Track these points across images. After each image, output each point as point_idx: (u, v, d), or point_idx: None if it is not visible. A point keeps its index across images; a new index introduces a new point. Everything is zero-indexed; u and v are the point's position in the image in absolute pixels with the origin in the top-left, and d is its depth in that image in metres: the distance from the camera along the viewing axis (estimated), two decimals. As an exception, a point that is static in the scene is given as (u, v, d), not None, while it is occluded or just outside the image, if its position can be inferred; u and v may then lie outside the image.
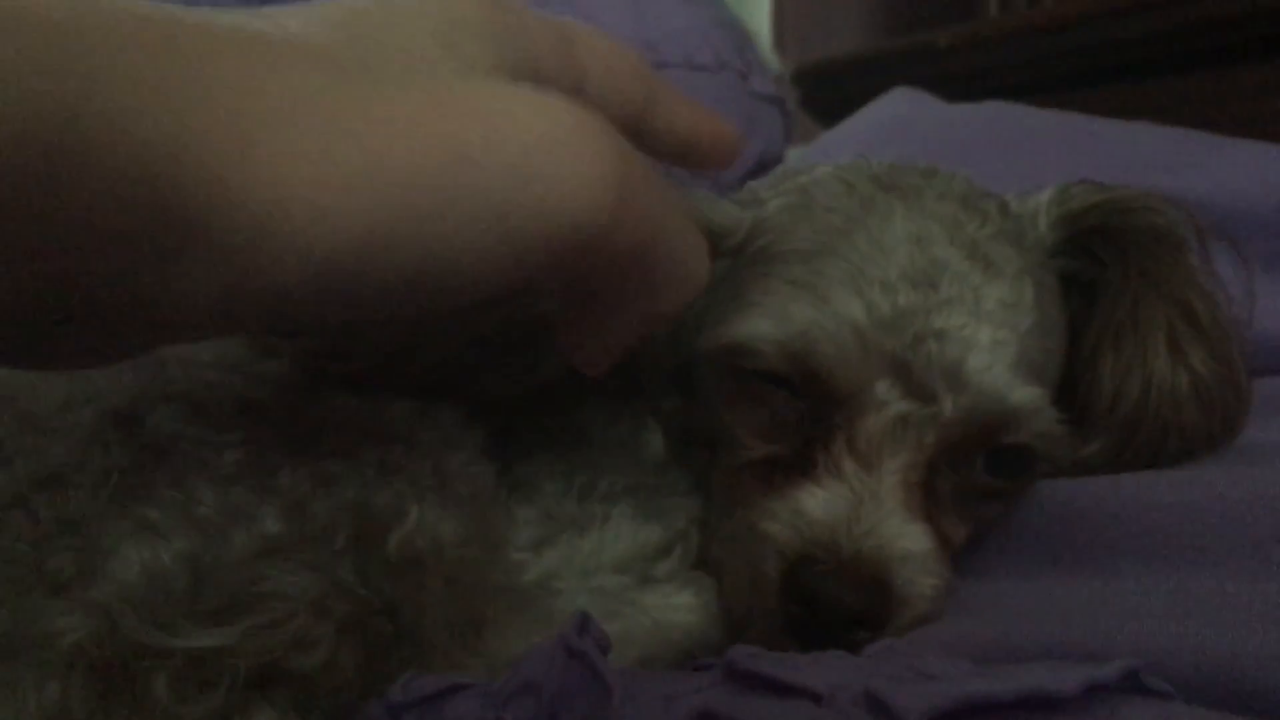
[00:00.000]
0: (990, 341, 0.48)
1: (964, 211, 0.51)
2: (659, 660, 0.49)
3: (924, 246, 0.49)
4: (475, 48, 0.36)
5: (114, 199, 0.27)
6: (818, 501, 0.48)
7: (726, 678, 0.36)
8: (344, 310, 0.33)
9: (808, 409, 0.49)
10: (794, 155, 1.22)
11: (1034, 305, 0.50)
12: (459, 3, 0.36)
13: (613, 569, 0.53)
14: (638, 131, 0.42)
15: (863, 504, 0.47)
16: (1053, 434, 0.50)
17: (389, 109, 0.32)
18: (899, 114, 1.20)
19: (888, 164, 0.55)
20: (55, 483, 0.45)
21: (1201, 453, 0.55)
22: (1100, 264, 0.55)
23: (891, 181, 0.53)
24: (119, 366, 0.48)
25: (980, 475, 0.50)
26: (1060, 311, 0.54)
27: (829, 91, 1.68)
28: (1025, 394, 0.48)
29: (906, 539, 0.48)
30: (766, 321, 0.48)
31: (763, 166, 1.12)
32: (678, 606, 0.51)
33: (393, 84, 0.32)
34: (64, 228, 0.27)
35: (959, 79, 1.42)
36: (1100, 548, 0.48)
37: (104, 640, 0.42)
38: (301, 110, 0.30)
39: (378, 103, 0.32)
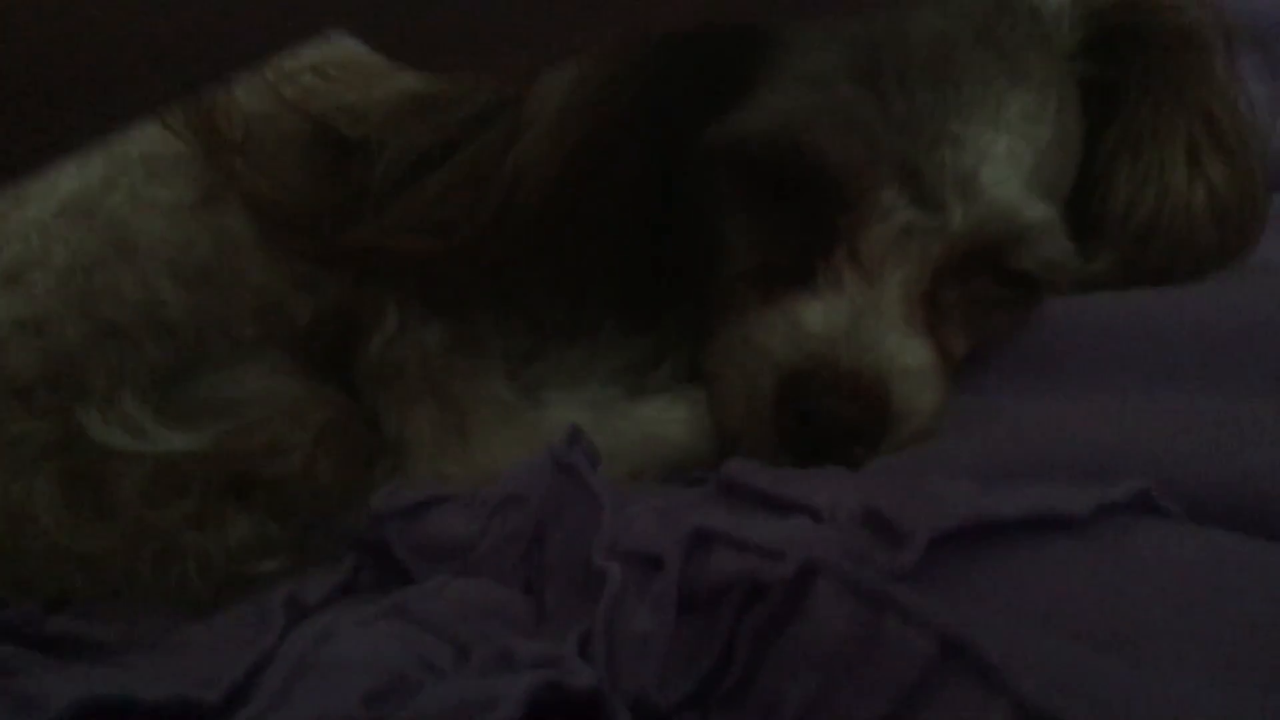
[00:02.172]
0: (1007, 153, 0.45)
1: (995, 10, 0.47)
2: (649, 474, 0.48)
3: (949, 44, 0.45)
4: None
5: None
6: (815, 314, 0.46)
7: (721, 493, 0.34)
8: None
9: (809, 216, 0.47)
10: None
11: (1055, 117, 0.47)
12: None
13: (602, 380, 0.51)
14: None
15: (862, 317, 0.46)
16: (1059, 260, 0.48)
17: None
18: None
19: None
20: (13, 282, 0.43)
21: (1214, 268, 0.53)
22: (1123, 67, 0.52)
23: None
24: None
25: (987, 283, 0.48)
26: (1078, 123, 0.51)
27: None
28: (1037, 212, 0.46)
29: (906, 354, 0.46)
30: (775, 116, 0.45)
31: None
32: (668, 420, 0.50)
33: None
34: None
35: None
36: (1107, 365, 0.47)
37: (71, 444, 0.40)
38: None
39: None
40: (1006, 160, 0.45)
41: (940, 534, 0.29)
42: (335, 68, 0.48)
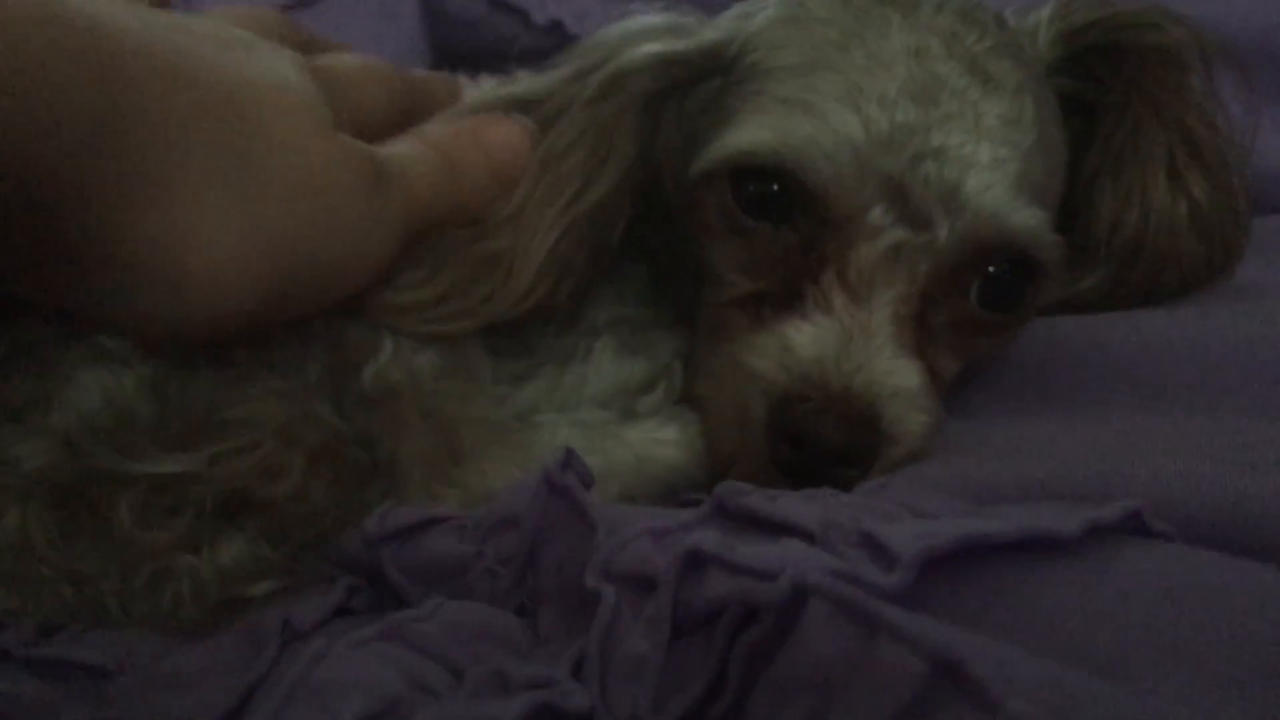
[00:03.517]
0: (990, 160, 0.45)
1: (961, 24, 0.48)
2: (641, 496, 0.49)
3: (923, 61, 0.46)
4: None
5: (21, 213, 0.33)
6: (806, 337, 0.46)
7: (715, 515, 0.34)
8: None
9: (797, 239, 0.47)
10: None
11: (1035, 122, 0.48)
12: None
13: (595, 403, 0.51)
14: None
15: (852, 339, 0.46)
16: (1052, 257, 0.48)
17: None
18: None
19: None
20: (9, 308, 0.43)
21: (1200, 284, 0.54)
22: (1101, 85, 0.53)
23: None
24: None
25: (974, 307, 0.48)
26: (1061, 131, 0.52)
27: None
28: (1026, 215, 0.46)
29: (897, 375, 0.46)
30: (761, 134, 0.46)
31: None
32: (661, 442, 0.50)
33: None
34: None
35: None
36: (1097, 386, 0.47)
37: (64, 467, 0.40)
38: (203, 180, 0.36)
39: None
40: (990, 167, 0.45)
41: (932, 555, 0.29)
42: None
